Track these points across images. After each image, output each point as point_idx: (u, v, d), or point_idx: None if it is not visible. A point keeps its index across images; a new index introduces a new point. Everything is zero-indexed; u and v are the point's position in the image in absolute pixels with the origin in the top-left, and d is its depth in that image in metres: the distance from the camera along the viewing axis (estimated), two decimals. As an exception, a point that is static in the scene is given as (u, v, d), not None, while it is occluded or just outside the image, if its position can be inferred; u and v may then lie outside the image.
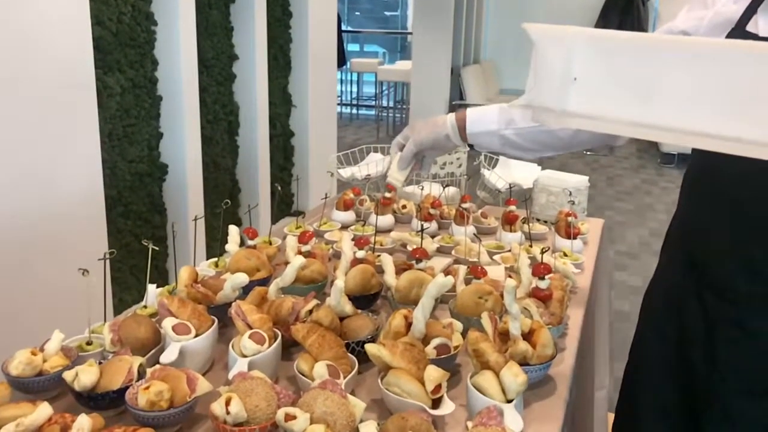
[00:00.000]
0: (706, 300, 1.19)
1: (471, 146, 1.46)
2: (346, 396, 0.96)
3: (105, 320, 1.23)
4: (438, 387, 1.01)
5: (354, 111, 10.20)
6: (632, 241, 4.97)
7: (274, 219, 3.74)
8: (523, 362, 1.11)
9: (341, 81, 9.89)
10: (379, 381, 1.06)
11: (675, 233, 1.31)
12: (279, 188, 1.92)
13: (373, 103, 9.79)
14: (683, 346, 1.23)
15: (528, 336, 1.16)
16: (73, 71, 2.18)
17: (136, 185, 2.76)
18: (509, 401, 1.00)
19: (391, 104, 9.34)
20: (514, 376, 0.99)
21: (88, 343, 1.19)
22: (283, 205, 3.86)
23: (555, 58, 0.69)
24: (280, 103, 3.84)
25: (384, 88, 9.23)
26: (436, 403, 1.02)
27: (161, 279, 2.92)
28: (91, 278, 1.15)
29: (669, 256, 1.33)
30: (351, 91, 10.29)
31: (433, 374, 1.01)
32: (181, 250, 2.80)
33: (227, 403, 0.94)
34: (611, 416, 1.55)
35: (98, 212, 2.38)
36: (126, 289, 2.72)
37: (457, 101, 7.89)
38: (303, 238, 1.53)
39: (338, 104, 9.57)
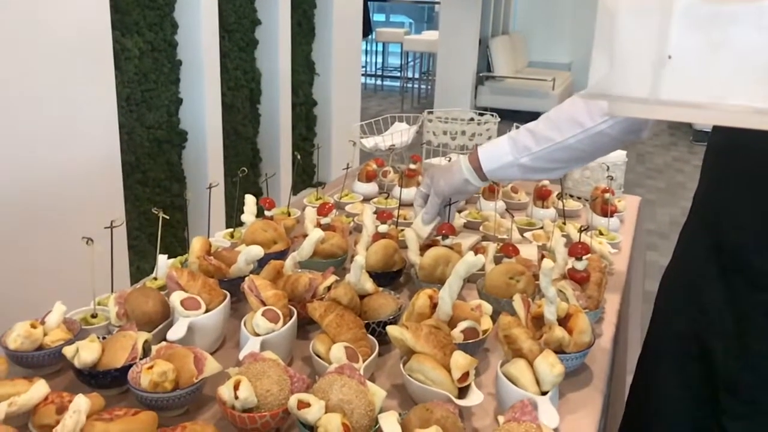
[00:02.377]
0: (734, 286, 1.08)
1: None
2: (365, 383, 0.88)
3: (112, 291, 1.16)
4: (465, 375, 0.93)
5: (379, 82, 10.04)
6: (663, 220, 4.82)
7: (296, 190, 3.66)
8: (559, 350, 1.02)
9: (366, 51, 9.73)
10: (401, 366, 0.97)
11: (698, 214, 1.19)
12: (298, 157, 1.83)
13: (399, 74, 9.62)
14: (704, 335, 1.12)
15: (563, 321, 1.06)
16: (90, 32, 2.10)
17: (154, 152, 2.69)
18: (544, 393, 0.91)
19: (417, 75, 9.16)
20: (550, 367, 0.90)
21: (93, 316, 1.12)
22: (305, 176, 3.78)
23: (640, 30, 0.54)
24: (303, 70, 3.73)
25: (410, 58, 9.05)
26: (462, 392, 0.94)
27: (180, 248, 2.86)
28: (95, 247, 1.07)
29: (690, 240, 1.21)
30: (376, 62, 10.12)
31: (461, 361, 0.93)
32: (200, 220, 2.74)
33: (236, 386, 0.86)
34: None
35: (115, 178, 2.31)
36: (143, 257, 2.67)
37: (485, 73, 7.71)
38: (322, 210, 1.45)
39: (363, 75, 9.44)
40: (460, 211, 1.73)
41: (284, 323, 1.05)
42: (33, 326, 0.99)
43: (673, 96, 0.52)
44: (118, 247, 2.33)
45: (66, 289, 1.24)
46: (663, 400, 1.17)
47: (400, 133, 2.10)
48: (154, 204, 2.68)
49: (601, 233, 1.61)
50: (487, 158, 1.34)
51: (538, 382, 0.92)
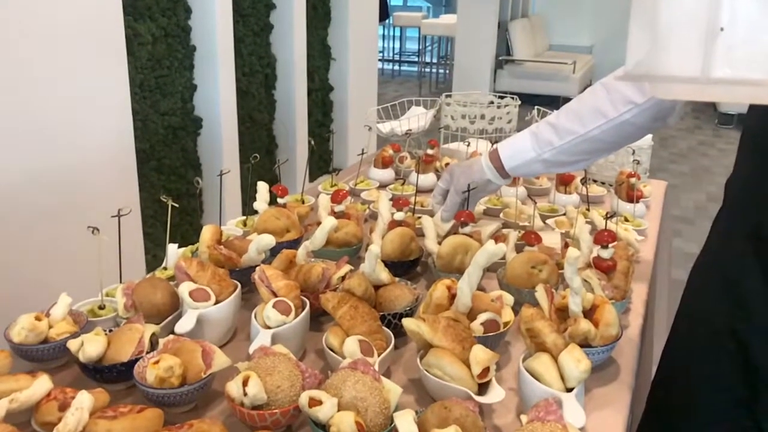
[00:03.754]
0: None
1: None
2: (380, 379, 0.84)
3: (121, 282, 1.13)
4: (485, 370, 0.88)
5: (396, 67, 9.94)
6: (687, 205, 4.71)
7: (313, 177, 3.62)
8: (584, 343, 0.97)
9: (383, 36, 9.64)
10: (418, 361, 0.93)
11: (734, 202, 1.11)
12: (312, 142, 1.78)
13: (416, 59, 9.52)
14: (741, 331, 1.05)
15: (589, 313, 1.01)
16: (101, 17, 2.06)
17: (169, 139, 2.66)
18: (569, 390, 0.86)
19: (435, 60, 9.05)
20: (576, 362, 0.85)
21: (101, 308, 1.09)
22: (321, 162, 3.74)
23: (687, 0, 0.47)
24: (319, 55, 3.68)
25: (428, 43, 8.94)
26: (482, 388, 0.89)
27: (196, 236, 2.83)
28: (107, 237, 1.04)
29: (725, 229, 1.13)
30: (393, 47, 10.02)
31: (481, 356, 0.88)
32: (216, 207, 2.71)
33: (245, 382, 0.82)
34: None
35: (129, 166, 2.29)
36: (159, 245, 2.65)
37: (504, 56, 7.58)
38: (336, 197, 1.40)
39: (380, 60, 9.36)
40: (479, 198, 1.67)
41: (296, 315, 1.01)
42: (38, 319, 0.96)
43: (727, 73, 0.45)
44: (133, 235, 2.32)
45: (77, 280, 1.21)
46: (693, 398, 1.10)
47: (417, 118, 2.04)
48: (169, 192, 2.66)
49: (626, 220, 1.55)
50: (508, 156, 1.31)
51: (562, 378, 0.87)
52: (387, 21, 8.99)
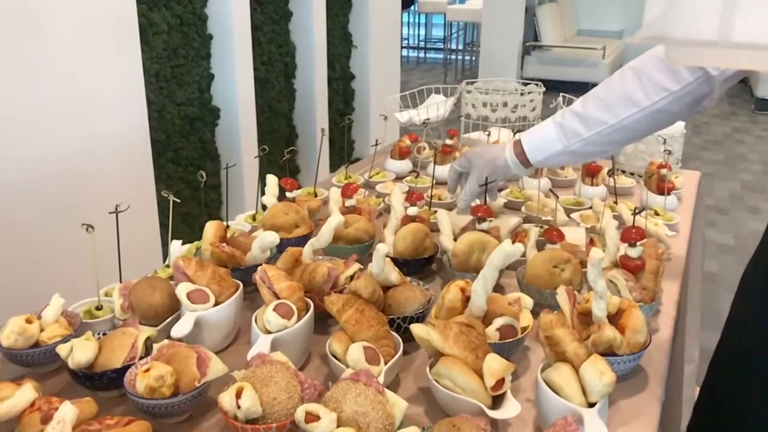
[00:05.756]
0: None
1: None
2: (384, 392, 0.77)
3: (120, 281, 1.08)
4: (500, 382, 0.81)
5: (421, 54, 9.81)
6: (722, 194, 4.55)
7: (334, 168, 3.56)
8: (609, 351, 0.89)
9: (408, 23, 9.51)
10: (428, 371, 0.86)
11: None
12: (323, 131, 1.71)
13: (442, 46, 9.38)
14: None
15: (615, 318, 0.93)
16: (114, 5, 2.02)
17: (186, 129, 2.62)
18: (591, 405, 0.78)
19: (461, 47, 8.91)
20: (599, 374, 0.78)
21: (98, 308, 1.04)
22: (343, 153, 3.68)
23: None
24: (340, 43, 3.61)
25: (453, 29, 8.80)
26: (497, 402, 0.82)
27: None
28: (95, 235, 0.99)
29: None
30: (418, 34, 9.89)
31: (495, 366, 0.81)
32: (237, 198, 2.67)
33: (238, 394, 0.76)
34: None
35: (145, 157, 2.25)
36: (177, 238, 2.62)
37: (531, 42, 7.42)
38: (346, 191, 1.33)
39: (405, 48, 9.25)
40: (500, 190, 1.59)
41: (299, 318, 0.95)
42: (28, 321, 0.92)
43: (750, 36, 0.38)
44: (150, 228, 2.28)
45: (82, 278, 1.17)
46: (747, 410, 1.01)
47: (436, 106, 1.96)
48: (187, 183, 2.62)
49: (656, 213, 1.46)
50: (533, 149, 1.25)
51: (584, 392, 0.79)
52: (412, 8, 8.85)
